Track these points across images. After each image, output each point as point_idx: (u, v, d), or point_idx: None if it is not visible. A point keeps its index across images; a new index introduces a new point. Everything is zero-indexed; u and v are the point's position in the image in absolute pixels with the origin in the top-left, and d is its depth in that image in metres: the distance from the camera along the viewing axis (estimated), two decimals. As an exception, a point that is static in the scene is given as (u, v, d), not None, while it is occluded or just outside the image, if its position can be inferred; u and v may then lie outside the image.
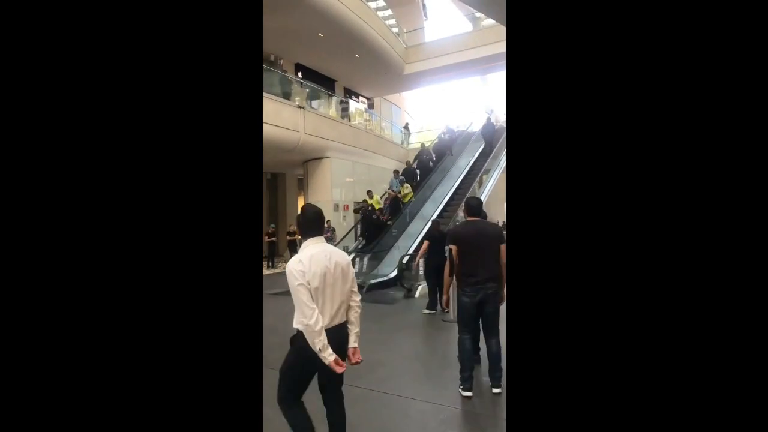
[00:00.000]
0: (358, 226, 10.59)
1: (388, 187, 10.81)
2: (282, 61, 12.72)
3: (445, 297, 3.57)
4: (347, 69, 14.60)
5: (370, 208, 9.65)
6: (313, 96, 12.47)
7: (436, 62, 15.05)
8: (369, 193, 10.54)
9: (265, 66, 11.06)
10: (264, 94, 9.71)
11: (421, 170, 11.74)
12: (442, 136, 13.23)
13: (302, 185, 13.51)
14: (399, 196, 10.11)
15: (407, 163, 11.99)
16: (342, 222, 11.67)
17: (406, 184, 10.24)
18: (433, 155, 12.26)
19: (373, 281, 7.62)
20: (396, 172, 11.23)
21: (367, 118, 15.24)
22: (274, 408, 2.81)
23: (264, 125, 9.34)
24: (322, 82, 13.84)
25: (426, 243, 5.74)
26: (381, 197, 10.50)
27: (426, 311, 5.55)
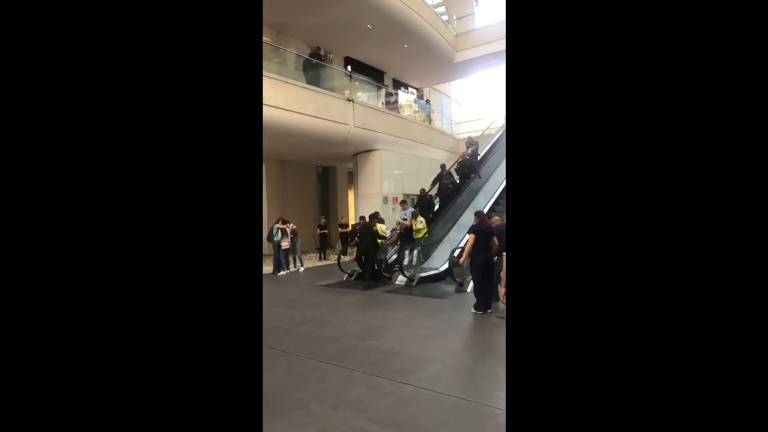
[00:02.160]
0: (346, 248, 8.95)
1: (400, 218, 9.09)
2: (331, 56, 12.82)
3: (503, 290, 3.43)
4: (396, 60, 14.46)
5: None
6: (361, 88, 12.45)
7: (487, 48, 14.50)
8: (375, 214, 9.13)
9: (314, 60, 11.20)
10: (314, 88, 9.84)
11: (441, 198, 9.80)
12: (467, 151, 10.62)
13: (352, 178, 13.61)
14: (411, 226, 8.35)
15: (421, 191, 9.94)
16: (391, 215, 11.63)
17: (420, 218, 8.29)
18: (456, 178, 10.18)
19: (422, 274, 7.52)
20: (404, 202, 9.67)
21: (416, 109, 14.99)
22: (290, 390, 2.81)
23: (314, 119, 9.49)
24: (371, 75, 13.81)
25: (472, 237, 5.23)
26: (398, 224, 8.97)
27: (474, 311, 5.14)
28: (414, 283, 7.17)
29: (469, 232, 5.41)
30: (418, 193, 10.27)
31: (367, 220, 8.23)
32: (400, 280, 7.44)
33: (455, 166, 10.82)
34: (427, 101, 16.73)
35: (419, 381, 3.05)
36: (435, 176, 10.38)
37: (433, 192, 10.19)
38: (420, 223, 8.18)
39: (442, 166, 10.42)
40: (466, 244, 5.50)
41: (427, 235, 8.22)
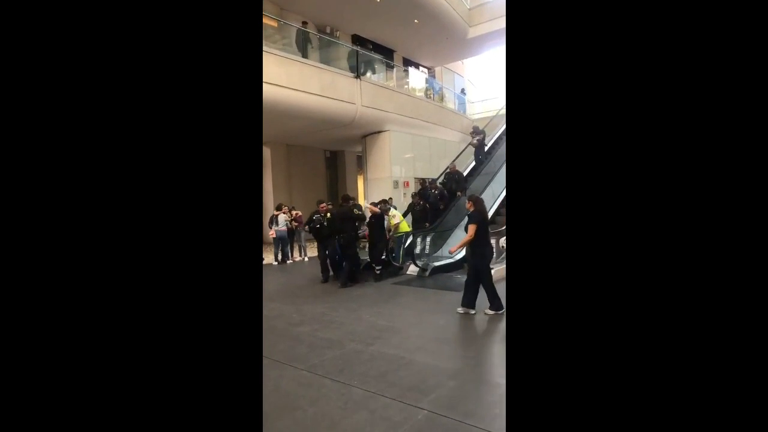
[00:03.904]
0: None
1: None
2: (338, 33, 12.10)
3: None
4: (406, 37, 13.64)
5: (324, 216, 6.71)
6: (370, 66, 11.66)
7: (502, 22, 13.61)
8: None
9: (319, 35, 10.51)
10: (318, 65, 9.17)
11: (432, 212, 8.70)
12: (473, 141, 9.60)
13: (361, 163, 13.00)
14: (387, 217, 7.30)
15: (413, 196, 8.97)
16: (402, 200, 11.01)
17: (394, 212, 7.39)
18: (444, 191, 8.88)
19: (436, 264, 6.91)
20: (384, 201, 8.61)
21: (428, 88, 14.21)
22: (272, 417, 2.21)
23: (318, 98, 8.85)
24: (380, 53, 13.06)
25: (473, 228, 4.27)
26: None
27: (461, 310, 4.32)
28: (427, 274, 6.59)
29: (469, 222, 4.41)
30: (431, 177, 9.52)
31: (329, 206, 6.97)
32: (412, 270, 6.86)
33: (441, 180, 9.59)
34: (462, 90, 15.92)
35: (435, 404, 2.44)
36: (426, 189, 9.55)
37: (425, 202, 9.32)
38: (394, 218, 7.27)
39: (423, 182, 9.69)
40: (468, 236, 4.43)
41: (408, 229, 7.42)
